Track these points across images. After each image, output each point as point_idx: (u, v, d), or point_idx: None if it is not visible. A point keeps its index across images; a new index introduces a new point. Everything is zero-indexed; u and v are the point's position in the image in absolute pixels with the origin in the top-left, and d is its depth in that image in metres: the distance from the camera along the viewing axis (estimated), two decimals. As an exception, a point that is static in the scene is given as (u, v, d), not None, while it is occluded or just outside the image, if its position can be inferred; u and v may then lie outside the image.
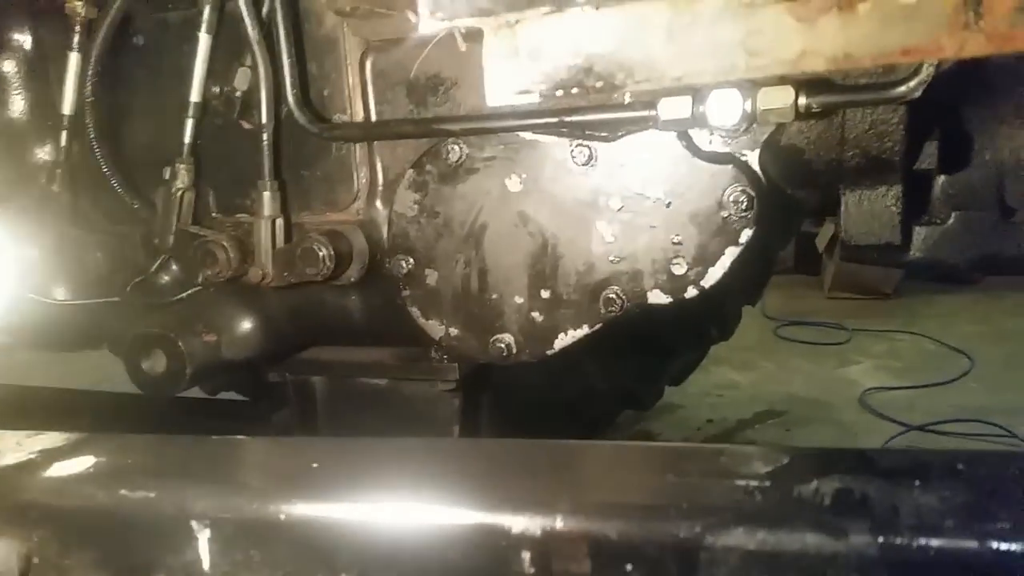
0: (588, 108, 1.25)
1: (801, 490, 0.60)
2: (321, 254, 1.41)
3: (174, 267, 1.59)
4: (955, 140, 1.27)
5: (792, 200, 1.35)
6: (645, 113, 1.20)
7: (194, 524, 0.67)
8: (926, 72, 1.04)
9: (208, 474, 0.75)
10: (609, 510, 0.65)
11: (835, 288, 5.38)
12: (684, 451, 0.85)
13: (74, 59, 1.50)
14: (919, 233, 1.30)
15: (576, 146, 1.30)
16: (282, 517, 0.66)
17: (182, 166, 1.49)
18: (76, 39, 1.50)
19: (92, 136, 1.49)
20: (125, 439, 0.91)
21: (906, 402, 3.67)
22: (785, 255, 5.28)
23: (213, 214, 1.56)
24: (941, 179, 1.30)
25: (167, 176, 1.49)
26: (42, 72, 1.62)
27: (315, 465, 0.75)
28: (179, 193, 1.49)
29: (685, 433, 3.47)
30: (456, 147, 1.36)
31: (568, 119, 1.26)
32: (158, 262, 1.55)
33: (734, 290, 2.44)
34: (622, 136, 1.28)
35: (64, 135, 1.54)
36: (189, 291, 1.57)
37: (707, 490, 0.65)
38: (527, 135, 1.32)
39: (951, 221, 1.29)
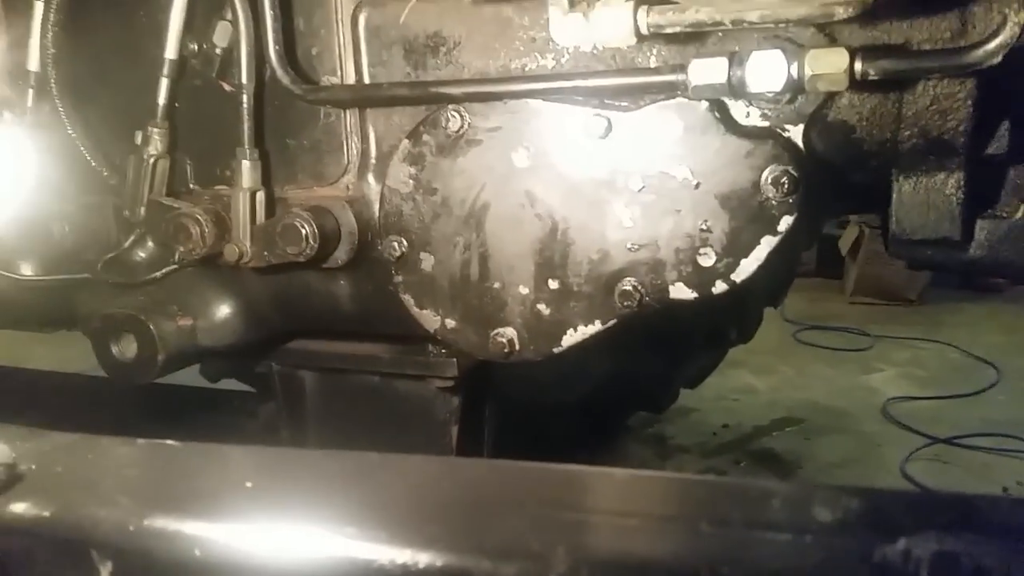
0: (607, 72, 1.10)
1: (886, 553, 0.43)
2: (304, 232, 1.26)
3: (149, 243, 1.45)
4: (1029, 123, 1.10)
5: (839, 182, 1.18)
6: (673, 77, 1.05)
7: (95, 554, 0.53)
8: (1010, 32, 0.88)
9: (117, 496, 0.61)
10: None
11: (858, 292, 5.24)
12: (717, 487, 0.68)
13: (39, 8, 1.35)
14: (981, 228, 1.14)
15: (592, 116, 1.15)
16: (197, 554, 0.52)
17: (155, 131, 1.35)
18: (44, -16, 1.36)
19: (55, 94, 1.35)
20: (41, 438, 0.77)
21: (931, 413, 3.55)
22: (807, 257, 5.13)
23: (191, 185, 1.42)
24: (1011, 168, 1.13)
25: (139, 141, 1.35)
26: (13, 24, 1.48)
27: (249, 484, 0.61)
28: (152, 160, 1.35)
29: (699, 438, 3.36)
30: (457, 115, 1.21)
31: (584, 84, 1.11)
32: (131, 237, 1.41)
33: (756, 290, 2.29)
34: (645, 105, 1.12)
35: (30, 93, 1.39)
36: (164, 270, 1.43)
37: (753, 546, 0.49)
38: (537, 103, 1.17)
39: (1020, 216, 1.13)
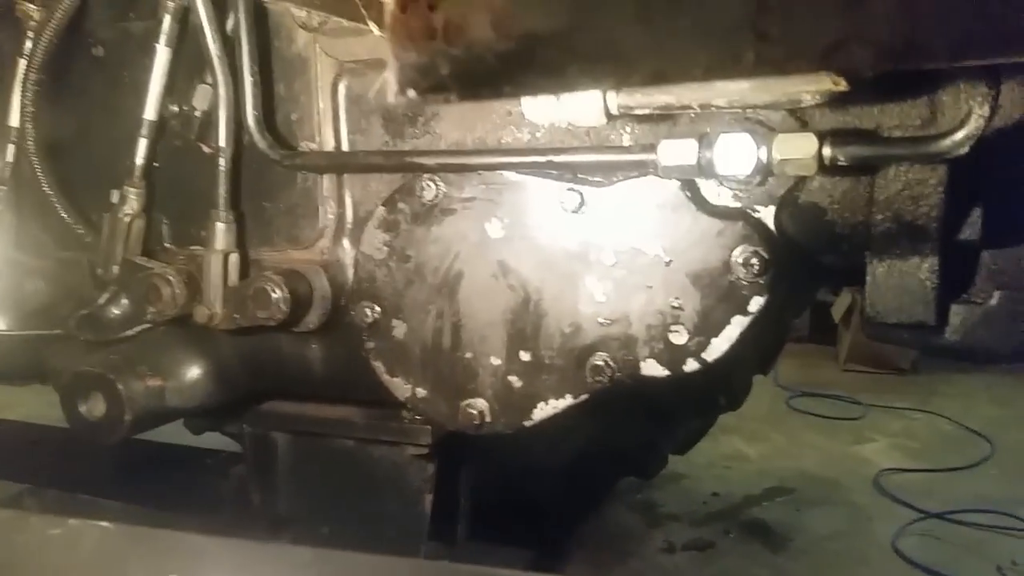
0: (580, 148, 1.10)
1: None
2: (275, 296, 1.25)
3: (122, 301, 1.44)
4: (1003, 209, 1.10)
5: (812, 263, 1.18)
6: (644, 157, 1.05)
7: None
8: (975, 124, 0.88)
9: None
10: None
11: (851, 360, 5.20)
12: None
13: (22, 66, 1.37)
14: (956, 313, 1.12)
15: (566, 190, 1.14)
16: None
17: (132, 190, 1.35)
18: (27, 44, 1.38)
19: (32, 150, 1.35)
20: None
21: (923, 486, 3.49)
22: (800, 323, 5.11)
23: (166, 244, 1.42)
24: (985, 253, 1.13)
25: (116, 200, 1.35)
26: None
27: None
28: (127, 219, 1.35)
29: (689, 507, 3.30)
30: (432, 185, 1.21)
31: (558, 159, 1.11)
32: (105, 295, 1.40)
33: (745, 359, 2.27)
34: (618, 182, 1.12)
35: (9, 149, 1.40)
36: (135, 328, 1.42)
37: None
38: (512, 175, 1.17)
39: (994, 301, 1.12)
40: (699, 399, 2.53)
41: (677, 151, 1.00)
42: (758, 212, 1.08)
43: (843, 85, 0.80)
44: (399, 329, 1.27)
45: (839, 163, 0.96)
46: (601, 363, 1.16)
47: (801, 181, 1.07)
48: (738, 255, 1.07)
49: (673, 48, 0.34)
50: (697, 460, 3.14)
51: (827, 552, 2.91)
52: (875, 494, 3.38)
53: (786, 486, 3.43)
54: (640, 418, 2.39)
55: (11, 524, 0.72)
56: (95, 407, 1.40)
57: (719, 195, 1.10)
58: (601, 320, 1.16)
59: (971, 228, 1.09)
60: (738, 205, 1.09)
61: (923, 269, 1.10)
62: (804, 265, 1.18)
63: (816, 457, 3.77)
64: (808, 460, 3.73)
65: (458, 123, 1.23)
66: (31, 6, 1.34)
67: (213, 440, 2.02)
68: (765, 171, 0.98)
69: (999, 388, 4.75)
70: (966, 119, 0.90)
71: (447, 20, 0.38)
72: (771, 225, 1.08)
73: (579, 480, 2.72)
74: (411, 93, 0.40)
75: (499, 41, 0.37)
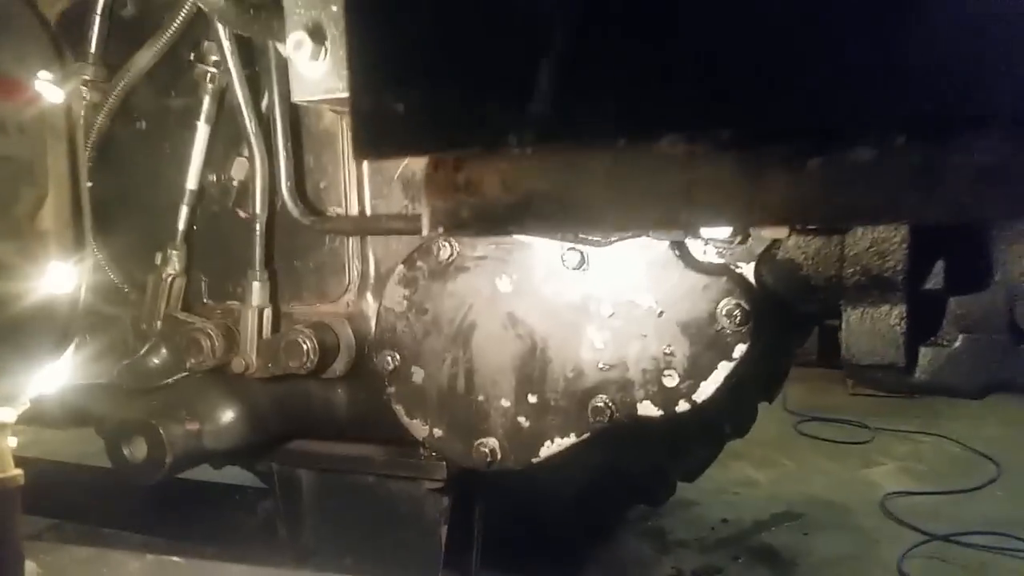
0: (579, 213, 1.22)
1: None
2: (305, 347, 1.38)
3: (162, 351, 1.57)
4: (964, 261, 1.21)
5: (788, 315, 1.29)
6: (636, 222, 1.17)
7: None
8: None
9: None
10: None
11: (859, 384, 5.25)
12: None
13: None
14: (924, 355, 1.23)
15: (568, 250, 1.27)
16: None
17: (174, 252, 1.49)
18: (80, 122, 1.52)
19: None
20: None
21: (929, 508, 3.52)
22: (808, 348, 5.16)
23: (205, 300, 1.55)
24: (951, 300, 1.24)
25: (158, 261, 1.48)
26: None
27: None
28: (169, 279, 1.48)
29: (699, 533, 3.35)
30: (448, 245, 1.34)
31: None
32: (145, 347, 1.53)
33: (750, 387, 2.36)
34: (614, 241, 1.24)
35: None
36: (175, 377, 1.54)
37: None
38: (520, 236, 1.30)
39: (958, 344, 1.22)
40: (705, 427, 2.62)
41: (664, 218, 1.12)
42: (740, 268, 1.20)
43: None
44: (417, 375, 1.38)
45: (809, 226, 1.08)
46: (601, 404, 1.27)
47: (777, 240, 1.19)
48: (723, 307, 1.18)
49: (628, 207, 0.46)
50: (707, 486, 3.20)
51: (833, 575, 2.96)
52: (882, 517, 3.42)
53: (794, 511, 3.48)
54: (648, 447, 2.48)
55: (97, 559, 0.83)
56: (138, 450, 1.52)
57: (705, 253, 1.22)
58: (601, 365, 1.27)
59: (935, 279, 1.21)
60: (722, 261, 1.21)
61: (893, 316, 1.21)
62: (785, 313, 1.29)
63: (824, 481, 3.81)
64: (816, 485, 3.77)
65: (469, 189, 1.35)
66: (83, 88, 1.48)
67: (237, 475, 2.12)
68: (744, 233, 1.10)
69: (1006, 410, 4.76)
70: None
71: (468, 178, 0.50)
72: (752, 279, 1.20)
73: (590, 508, 2.80)
74: (440, 229, 0.52)
75: (505, 195, 0.49)
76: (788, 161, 0.43)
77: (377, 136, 0.53)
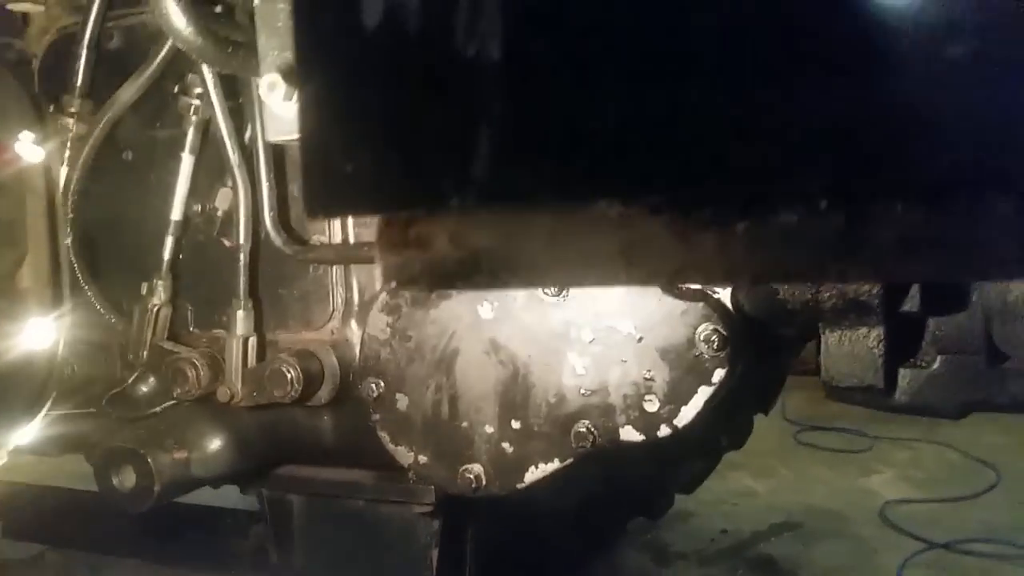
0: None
1: None
2: (289, 376, 1.39)
3: (150, 380, 1.58)
4: (940, 283, 1.22)
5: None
6: (612, 250, 1.18)
7: None
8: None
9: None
10: None
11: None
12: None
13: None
14: (903, 376, 1.24)
15: (547, 277, 1.28)
16: None
17: (160, 282, 1.50)
18: (66, 154, 1.53)
19: (71, 253, 1.50)
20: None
21: (929, 516, 3.51)
22: (808, 355, 5.14)
23: (191, 328, 1.56)
24: (929, 321, 1.25)
25: (144, 291, 1.50)
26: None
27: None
28: (155, 309, 1.49)
29: (698, 545, 3.35)
30: (429, 273, 1.34)
31: (537, 252, 1.24)
32: (133, 376, 1.54)
33: (745, 400, 2.37)
34: (593, 269, 1.25)
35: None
36: (162, 406, 1.55)
37: None
38: (499, 263, 1.31)
39: (936, 365, 1.23)
40: (701, 440, 2.62)
41: (639, 247, 1.13)
42: (717, 293, 1.21)
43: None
44: (402, 402, 1.39)
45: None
46: (584, 430, 1.28)
47: (753, 266, 1.19)
48: (700, 332, 1.19)
49: (571, 265, 0.47)
50: (705, 498, 3.20)
51: (832, 586, 2.95)
52: (881, 526, 3.41)
53: (793, 520, 3.47)
54: (644, 461, 2.48)
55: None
56: (126, 479, 1.53)
57: (682, 279, 1.23)
58: (583, 391, 1.28)
59: (911, 301, 1.21)
60: (699, 287, 1.22)
61: (871, 338, 1.22)
62: (765, 336, 1.30)
63: (823, 491, 3.80)
64: (815, 494, 3.77)
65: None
66: (69, 120, 1.49)
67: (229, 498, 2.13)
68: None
69: (1005, 417, 4.75)
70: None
71: (418, 235, 0.51)
72: (729, 304, 1.21)
73: (588, 521, 2.81)
74: (392, 284, 0.53)
75: (454, 252, 0.50)
76: (716, 224, 0.44)
77: (327, 194, 0.54)
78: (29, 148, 0.96)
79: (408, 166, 0.50)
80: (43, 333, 0.98)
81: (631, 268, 0.46)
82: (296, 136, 0.82)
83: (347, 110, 0.51)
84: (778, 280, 0.50)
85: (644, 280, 0.46)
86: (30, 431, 1.06)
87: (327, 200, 0.54)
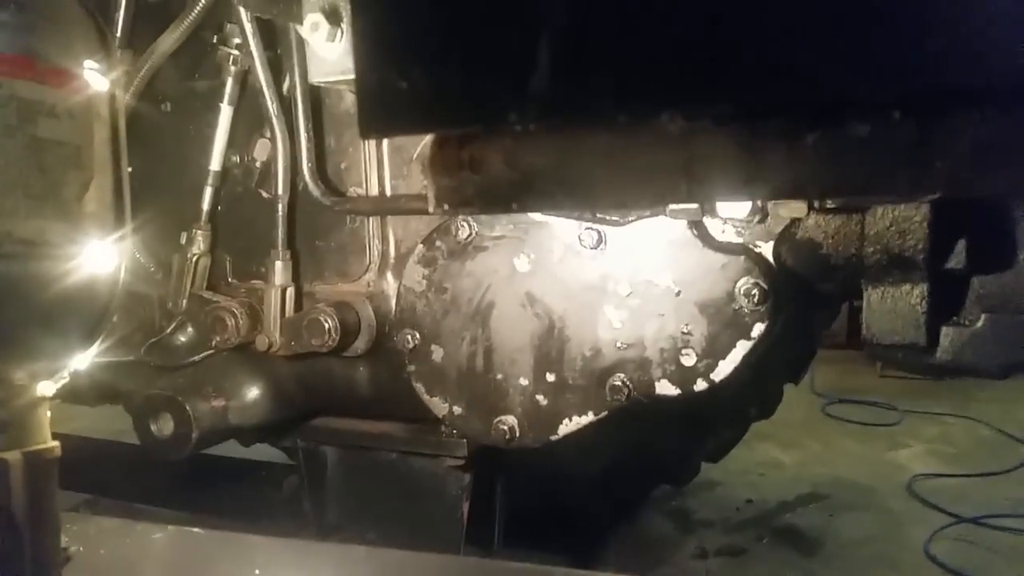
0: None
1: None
2: (327, 326, 1.40)
3: (189, 329, 1.60)
4: (987, 240, 1.19)
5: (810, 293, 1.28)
6: (653, 201, 1.16)
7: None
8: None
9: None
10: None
11: (888, 366, 5.19)
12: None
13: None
14: (946, 335, 1.22)
15: (585, 229, 1.27)
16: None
17: (199, 232, 1.51)
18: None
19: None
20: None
21: (957, 491, 3.48)
22: (837, 329, 5.11)
23: (229, 279, 1.57)
24: (973, 279, 1.22)
25: (184, 241, 1.51)
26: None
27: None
28: (194, 259, 1.51)
29: (723, 513, 3.35)
30: (466, 225, 1.34)
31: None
32: (172, 325, 1.56)
33: (775, 368, 2.36)
34: (632, 221, 1.24)
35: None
36: (201, 355, 1.57)
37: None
38: (537, 215, 1.30)
39: (980, 324, 1.21)
40: (730, 409, 2.62)
41: (681, 197, 1.12)
42: (759, 247, 1.20)
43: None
44: (437, 353, 1.40)
45: (828, 205, 1.07)
46: (619, 383, 1.28)
47: (797, 219, 1.18)
48: (741, 286, 1.18)
49: (628, 183, 0.47)
50: (732, 467, 3.19)
51: (859, 557, 2.95)
52: (908, 499, 3.39)
53: (820, 492, 3.46)
54: (672, 428, 2.48)
55: (122, 529, 0.86)
56: (165, 426, 1.55)
57: (723, 232, 1.21)
58: (619, 344, 1.28)
59: (957, 258, 1.19)
60: (740, 241, 1.20)
61: (914, 295, 1.20)
62: (805, 293, 1.29)
63: (851, 463, 3.78)
64: (842, 466, 3.75)
65: (488, 168, 1.36)
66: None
67: (264, 452, 2.17)
68: (762, 212, 1.10)
69: (1037, 393, 4.69)
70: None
71: (471, 156, 0.51)
72: (771, 259, 1.19)
73: (613, 487, 2.82)
74: (445, 207, 0.53)
75: (508, 173, 0.50)
76: (785, 136, 0.43)
77: (382, 114, 0.54)
78: (95, 76, 0.98)
79: (465, 82, 0.49)
80: (105, 256, 0.99)
81: (693, 183, 0.45)
82: (338, 78, 0.81)
83: (402, 24, 0.50)
84: (848, 193, 0.49)
85: (707, 195, 0.46)
86: (89, 355, 1.08)
87: (382, 120, 0.54)
